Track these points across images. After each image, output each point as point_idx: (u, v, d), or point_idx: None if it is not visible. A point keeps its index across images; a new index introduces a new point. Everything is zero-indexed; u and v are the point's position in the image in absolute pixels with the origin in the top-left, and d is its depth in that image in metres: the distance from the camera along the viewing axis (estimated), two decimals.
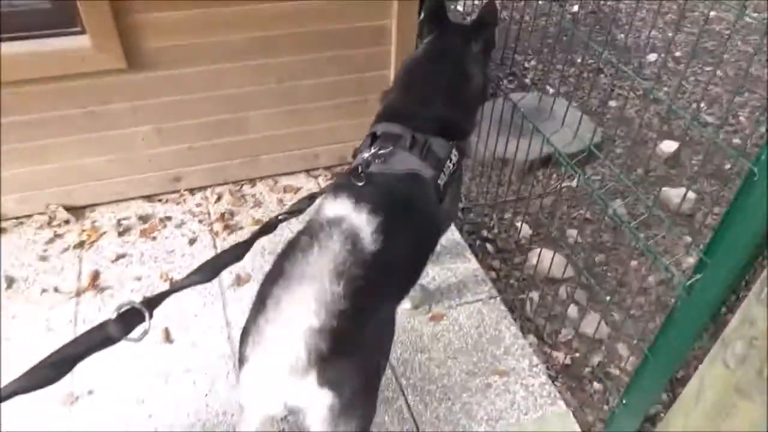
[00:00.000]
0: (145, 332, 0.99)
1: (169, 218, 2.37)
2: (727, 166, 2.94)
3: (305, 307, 1.02)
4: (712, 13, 4.61)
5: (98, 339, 0.94)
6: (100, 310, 1.99)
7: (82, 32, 1.95)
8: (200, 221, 2.36)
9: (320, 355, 1.04)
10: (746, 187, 1.13)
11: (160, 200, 2.44)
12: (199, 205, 2.44)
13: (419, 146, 1.51)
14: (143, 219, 2.35)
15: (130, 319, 0.97)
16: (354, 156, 1.61)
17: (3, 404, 0.82)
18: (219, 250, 2.23)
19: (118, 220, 2.34)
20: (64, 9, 1.91)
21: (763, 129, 3.27)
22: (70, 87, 2.04)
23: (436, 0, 1.74)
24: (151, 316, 0.99)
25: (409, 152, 1.50)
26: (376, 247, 1.20)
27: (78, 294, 2.05)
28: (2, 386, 0.85)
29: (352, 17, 2.23)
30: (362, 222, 1.23)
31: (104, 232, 2.29)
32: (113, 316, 0.97)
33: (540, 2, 4.34)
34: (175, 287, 1.09)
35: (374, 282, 1.17)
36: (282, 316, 1.05)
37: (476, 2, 4.18)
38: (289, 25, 2.17)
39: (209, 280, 1.13)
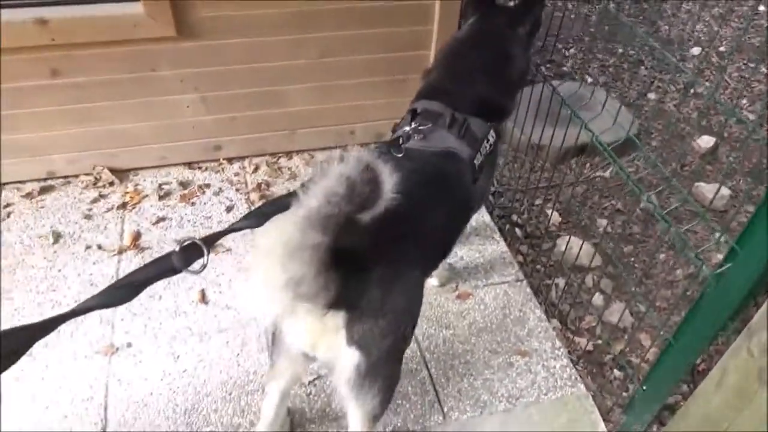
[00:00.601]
0: (204, 266, 1.03)
1: (208, 185, 2.44)
2: (765, 164, 2.89)
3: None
4: (761, 8, 4.48)
5: (163, 268, 1.00)
6: None
7: None
8: (237, 190, 2.43)
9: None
10: None
11: (200, 167, 2.52)
12: (237, 174, 2.51)
13: (458, 125, 1.54)
14: (183, 185, 2.44)
15: (190, 253, 1.03)
16: (393, 131, 1.65)
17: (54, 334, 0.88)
18: None
19: (160, 185, 2.43)
20: None
21: None
22: (121, 52, 2.12)
23: None
24: (208, 252, 1.04)
25: (448, 131, 1.54)
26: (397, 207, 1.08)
27: (120, 252, 2.14)
28: (79, 303, 0.94)
29: None
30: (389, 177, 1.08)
31: (146, 195, 2.38)
32: (176, 248, 1.02)
33: None
34: (229, 229, 1.14)
35: (395, 246, 1.21)
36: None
37: None
38: (333, 0, 2.20)
39: (259, 225, 1.16)
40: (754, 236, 1.19)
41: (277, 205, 1.14)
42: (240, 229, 1.15)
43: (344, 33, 2.29)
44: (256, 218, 1.15)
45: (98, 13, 2.02)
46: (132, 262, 2.10)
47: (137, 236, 2.20)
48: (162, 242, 2.19)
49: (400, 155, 1.42)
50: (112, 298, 0.97)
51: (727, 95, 3.52)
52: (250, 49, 2.24)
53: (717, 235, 2.46)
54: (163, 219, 2.28)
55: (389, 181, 1.00)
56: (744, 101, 3.48)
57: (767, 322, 1.13)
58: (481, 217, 2.35)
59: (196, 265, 1.04)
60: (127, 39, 2.08)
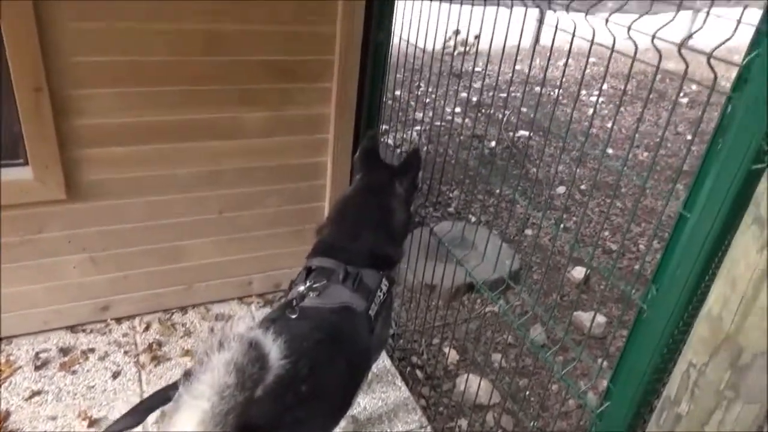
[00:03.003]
0: None
1: (92, 350, 2.29)
2: (633, 291, 3.21)
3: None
4: (610, 150, 5.23)
5: None
6: None
7: (25, 164, 1.99)
8: (126, 352, 2.29)
9: None
10: (638, 322, 1.30)
11: (84, 330, 2.37)
12: (125, 335, 2.38)
13: (351, 279, 1.62)
14: (64, 351, 2.26)
15: None
16: (290, 288, 1.69)
17: None
18: (144, 384, 2.16)
19: (37, 353, 2.23)
20: (9, 141, 1.97)
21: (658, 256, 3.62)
22: (7, 216, 2.04)
23: (370, 141, 1.95)
24: None
25: (342, 285, 1.61)
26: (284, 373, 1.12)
27: None
28: None
29: (293, 154, 2.40)
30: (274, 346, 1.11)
31: (19, 367, 2.17)
32: None
33: (461, 138, 4.79)
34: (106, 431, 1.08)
35: (294, 411, 1.19)
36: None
37: (405, 135, 4.57)
38: (236, 161, 2.31)
39: (140, 423, 1.12)
40: (623, 375, 1.31)
41: (158, 399, 1.12)
42: (120, 431, 1.10)
43: (243, 190, 2.38)
44: (137, 415, 1.11)
45: None
46: None
47: (5, 416, 1.97)
48: (35, 420, 1.97)
49: (294, 316, 1.45)
50: None
51: (591, 228, 3.96)
52: (146, 208, 2.25)
53: (599, 360, 2.64)
54: (38, 393, 2.08)
55: (276, 350, 1.02)
56: (606, 233, 3.93)
57: None
58: (382, 362, 2.37)
59: None
60: (15, 204, 2.02)
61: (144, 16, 1.92)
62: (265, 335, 0.98)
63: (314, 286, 1.57)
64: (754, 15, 0.96)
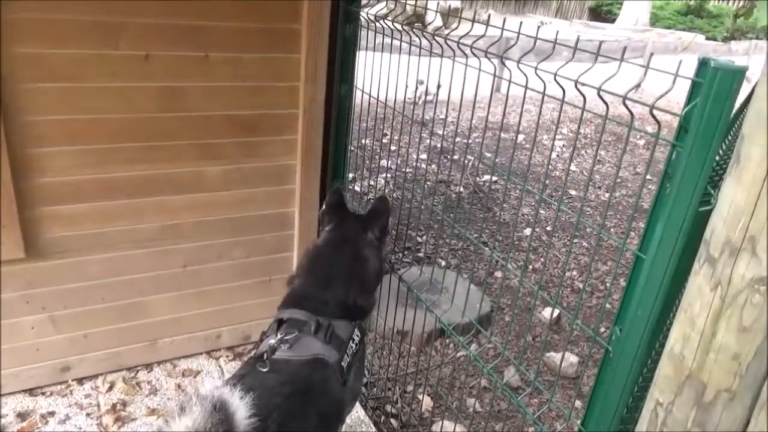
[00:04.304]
0: None
1: (52, 413, 2.19)
2: (602, 329, 3.25)
3: None
4: (573, 192, 5.37)
5: None
6: None
7: None
8: (88, 414, 2.20)
9: None
10: (605, 363, 1.32)
11: (43, 393, 2.27)
12: (88, 395, 2.29)
13: (323, 330, 1.61)
14: (22, 416, 2.16)
15: None
16: (261, 340, 1.66)
17: None
18: None
19: None
20: None
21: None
22: None
23: (335, 195, 1.96)
24: None
25: (314, 337, 1.59)
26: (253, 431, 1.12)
27: None
28: None
29: (259, 205, 2.40)
30: (240, 405, 1.12)
31: None
32: None
33: (428, 184, 4.86)
34: None
35: None
36: None
37: (371, 183, 4.63)
38: (198, 214, 2.30)
39: None
40: (593, 417, 1.32)
41: None
42: None
43: (208, 242, 2.36)
44: None
45: None
46: None
47: None
48: None
49: (265, 370, 1.43)
50: None
51: (559, 268, 4.02)
52: (107, 264, 2.20)
53: (572, 401, 2.64)
54: None
55: (242, 409, 0.99)
56: (574, 272, 3.99)
57: None
58: (355, 412, 2.32)
59: None
60: None
61: (101, 76, 1.94)
62: (231, 394, 0.96)
63: (285, 338, 1.55)
64: (689, 63, 1.02)
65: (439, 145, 5.30)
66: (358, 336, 1.70)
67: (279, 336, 1.56)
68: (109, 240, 2.17)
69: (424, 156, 5.42)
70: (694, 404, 1.06)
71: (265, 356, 1.47)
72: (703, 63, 0.93)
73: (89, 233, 2.12)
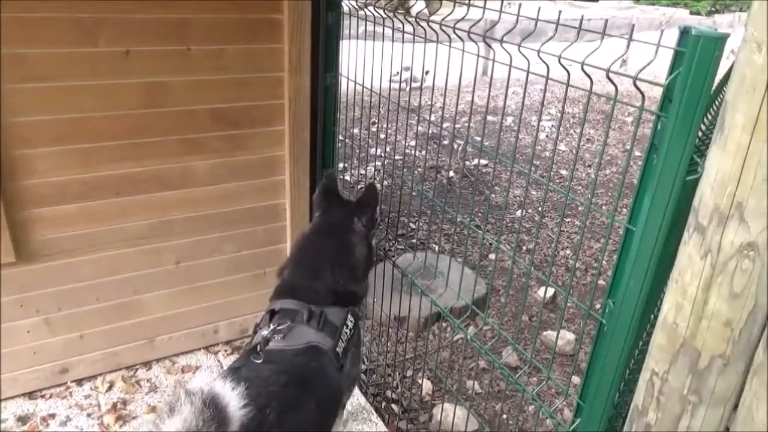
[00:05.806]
0: None
1: (52, 415, 2.18)
2: (598, 306, 3.28)
3: None
4: (563, 171, 5.38)
5: None
6: None
7: None
8: (89, 415, 2.20)
9: None
10: (600, 336, 1.33)
11: (43, 396, 2.26)
12: (88, 396, 2.28)
13: (316, 318, 1.61)
14: (22, 420, 2.15)
15: None
16: (254, 332, 1.66)
17: None
18: None
19: None
20: None
21: None
22: None
23: (328, 180, 1.95)
24: None
25: (307, 325, 1.59)
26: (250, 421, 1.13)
27: None
28: None
29: (249, 198, 2.39)
30: (233, 396, 1.12)
31: None
32: None
33: (419, 170, 4.86)
34: None
35: None
36: None
37: (362, 172, 4.61)
38: (188, 210, 2.28)
39: None
40: (590, 391, 1.33)
41: None
42: None
43: (199, 238, 2.35)
44: None
45: None
46: None
47: None
48: None
49: (259, 361, 1.43)
50: None
51: (554, 248, 4.04)
52: (100, 264, 2.19)
53: (572, 378, 2.67)
54: None
55: (235, 400, 0.99)
56: (567, 251, 4.01)
57: None
58: (356, 399, 2.33)
59: None
60: None
61: (82, 74, 1.91)
62: (223, 386, 0.95)
63: (278, 328, 1.55)
64: (672, 37, 1.02)
65: (428, 132, 5.28)
66: (351, 321, 1.71)
67: (272, 327, 1.56)
68: (100, 240, 2.16)
69: (413, 143, 5.41)
70: (689, 372, 1.08)
71: (259, 347, 1.47)
72: (685, 32, 0.93)
73: (79, 234, 2.11)
